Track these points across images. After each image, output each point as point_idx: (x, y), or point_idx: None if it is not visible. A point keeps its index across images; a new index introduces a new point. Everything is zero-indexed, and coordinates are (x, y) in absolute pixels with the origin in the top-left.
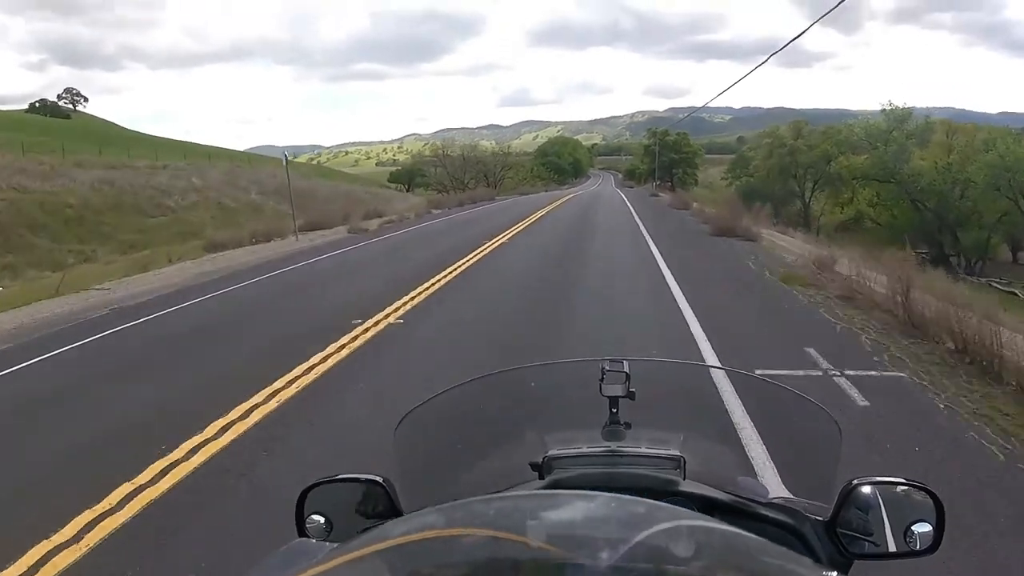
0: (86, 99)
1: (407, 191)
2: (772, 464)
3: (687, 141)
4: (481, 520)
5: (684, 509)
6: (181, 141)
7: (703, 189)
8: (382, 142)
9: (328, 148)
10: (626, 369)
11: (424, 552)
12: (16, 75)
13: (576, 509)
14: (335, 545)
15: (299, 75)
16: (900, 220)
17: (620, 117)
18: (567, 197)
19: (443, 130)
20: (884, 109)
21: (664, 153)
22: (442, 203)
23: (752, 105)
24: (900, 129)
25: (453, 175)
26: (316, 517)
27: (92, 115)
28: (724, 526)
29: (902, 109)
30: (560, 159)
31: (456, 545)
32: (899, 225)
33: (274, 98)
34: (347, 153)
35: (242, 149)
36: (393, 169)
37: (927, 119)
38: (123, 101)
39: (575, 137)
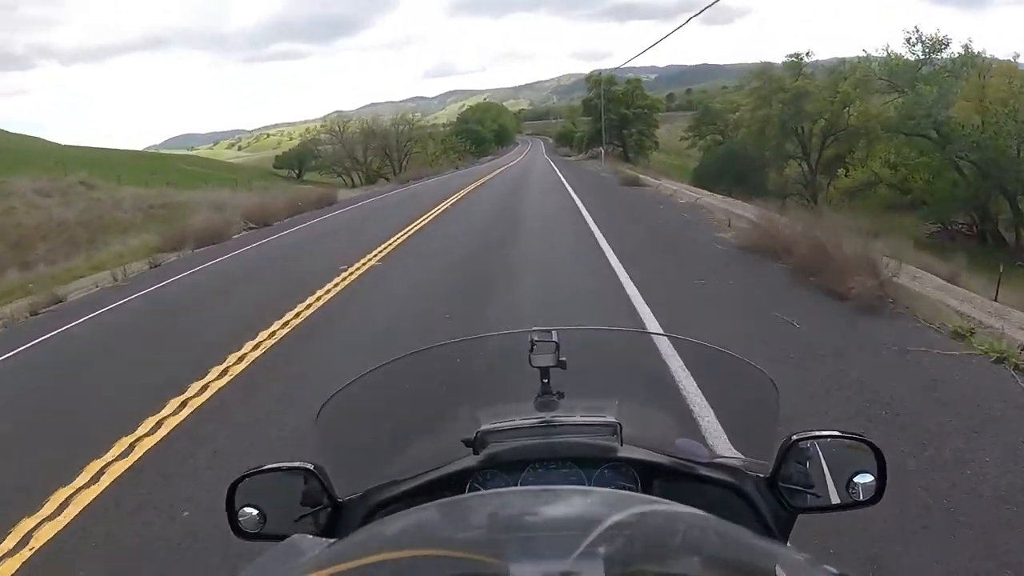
0: None
1: (297, 177)
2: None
3: (641, 92)
4: (439, 533)
5: (628, 494)
6: (52, 143)
7: (664, 155)
8: (306, 121)
9: (250, 132)
10: (555, 339)
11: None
12: None
13: (528, 508)
14: (332, 541)
15: (216, 60)
16: (938, 186)
17: (546, 82)
18: (475, 184)
19: (368, 105)
20: (909, 39)
21: (611, 109)
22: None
23: (676, 63)
24: (931, 64)
25: (351, 154)
26: (248, 509)
27: None
28: (678, 507)
29: (935, 38)
30: (483, 127)
31: (415, 569)
32: (938, 192)
33: (192, 86)
34: (268, 136)
35: (160, 141)
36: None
37: (967, 51)
38: (30, 101)
39: (502, 103)
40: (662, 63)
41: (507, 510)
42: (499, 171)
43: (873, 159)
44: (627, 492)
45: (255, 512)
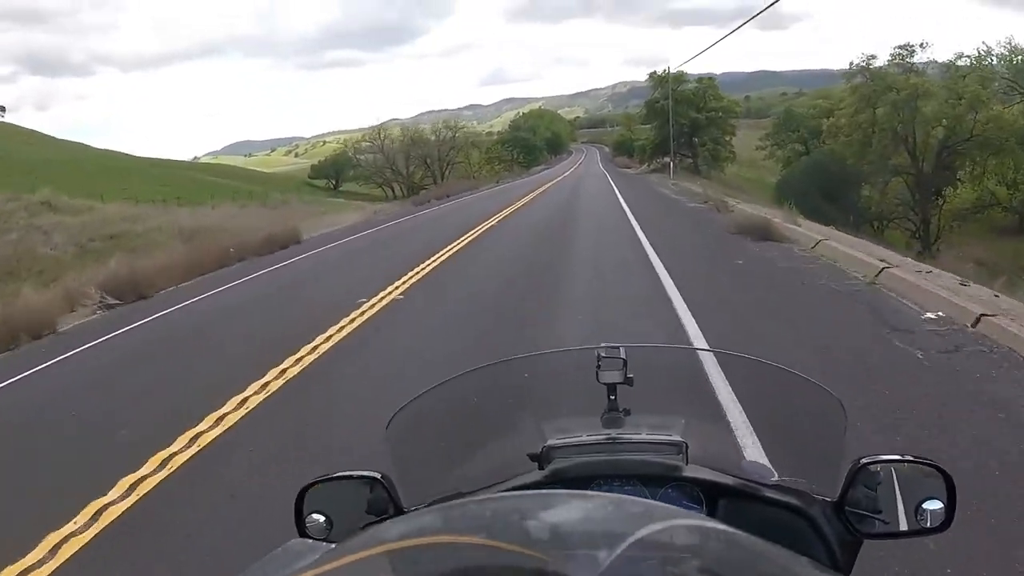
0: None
1: (334, 188)
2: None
3: (715, 92)
4: (477, 524)
5: (681, 508)
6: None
7: (734, 166)
8: (362, 128)
9: (307, 139)
10: (623, 355)
11: (418, 559)
12: None
13: (571, 509)
14: (332, 546)
15: (272, 67)
16: None
17: (601, 89)
18: (503, 213)
19: (424, 112)
20: None
21: (679, 112)
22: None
23: (733, 70)
24: None
25: (391, 164)
26: (316, 516)
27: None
28: (722, 526)
29: None
30: (535, 135)
31: (450, 552)
32: None
33: (250, 94)
34: (324, 143)
35: (219, 148)
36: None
37: None
38: (87, 107)
39: (558, 111)
40: (718, 70)
41: (510, 510)
42: (545, 187)
43: (988, 176)
44: (633, 499)
45: (322, 519)
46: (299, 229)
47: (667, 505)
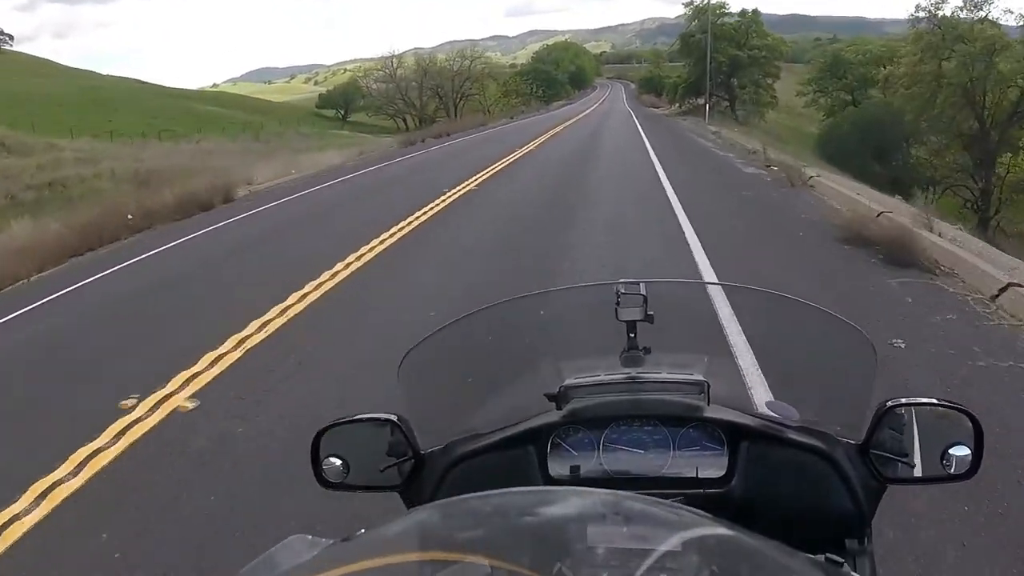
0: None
1: (343, 119)
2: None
3: (760, 27)
4: (479, 535)
5: (697, 516)
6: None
7: (780, 114)
8: (383, 57)
9: (328, 66)
10: (643, 291)
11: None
12: (5, 17)
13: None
14: (330, 542)
15: None
16: None
17: (629, 25)
18: (516, 153)
19: (447, 42)
20: None
21: (718, 49)
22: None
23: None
24: None
25: (404, 95)
26: (333, 459)
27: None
28: (738, 534)
29: None
30: (558, 69)
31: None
32: None
33: (271, 20)
34: (345, 70)
35: (239, 75)
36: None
37: None
38: (107, 35)
39: (583, 45)
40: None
41: (510, 511)
42: (559, 129)
43: None
44: (632, 495)
45: (339, 462)
46: (238, 182)
47: (674, 514)
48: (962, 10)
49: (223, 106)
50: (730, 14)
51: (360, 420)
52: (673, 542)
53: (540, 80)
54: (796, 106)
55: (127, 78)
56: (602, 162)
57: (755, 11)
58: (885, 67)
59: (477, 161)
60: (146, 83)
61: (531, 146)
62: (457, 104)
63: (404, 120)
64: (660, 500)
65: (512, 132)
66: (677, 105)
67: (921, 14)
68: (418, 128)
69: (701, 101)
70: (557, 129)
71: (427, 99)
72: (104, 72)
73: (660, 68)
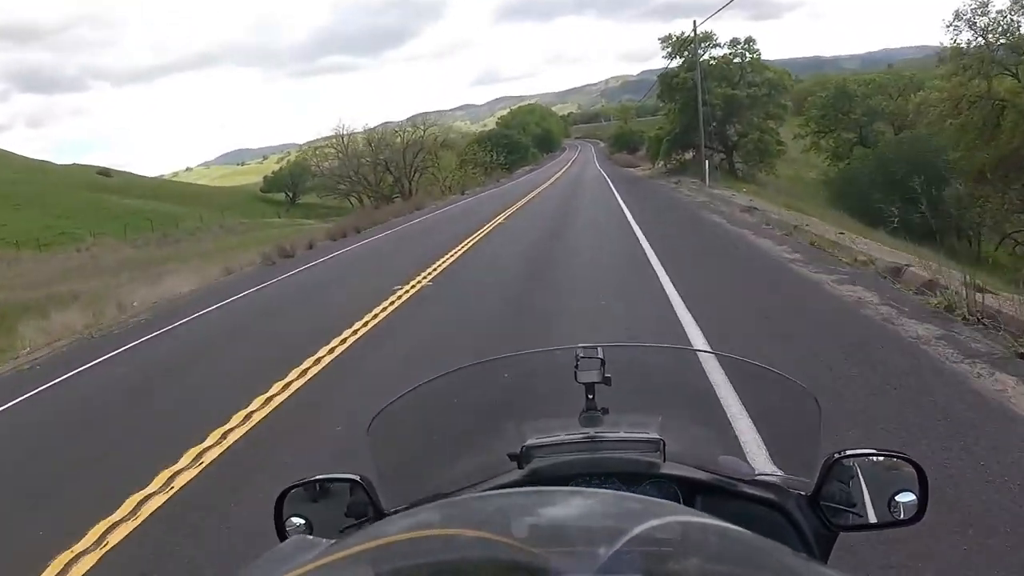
0: None
1: (291, 202)
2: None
3: (758, 61)
4: (476, 518)
5: (678, 505)
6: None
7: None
8: (355, 133)
9: (300, 145)
10: (600, 355)
11: (416, 551)
12: None
13: (570, 506)
14: (332, 542)
15: (267, 77)
16: None
17: (594, 84)
18: (455, 252)
19: (417, 114)
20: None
21: (708, 90)
22: None
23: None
24: None
25: (358, 171)
26: (296, 520)
27: None
28: (718, 521)
29: None
30: (524, 133)
31: (449, 544)
32: None
33: (244, 102)
34: (316, 150)
35: (213, 158)
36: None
37: None
38: (80, 124)
39: (551, 108)
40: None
41: (510, 506)
42: (518, 206)
43: None
44: (633, 496)
45: (302, 522)
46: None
47: (665, 501)
48: (1012, 12)
49: (159, 198)
50: (719, 45)
51: (323, 480)
52: (655, 523)
53: (501, 146)
54: (790, 151)
55: (88, 166)
56: (572, 267)
57: (749, 39)
58: (912, 96)
59: (404, 266)
60: (109, 171)
61: (466, 246)
62: (411, 179)
63: (360, 199)
64: (660, 500)
65: (449, 221)
66: (662, 164)
67: (960, 24)
68: (375, 207)
69: (690, 155)
70: (513, 209)
71: (381, 174)
72: (66, 162)
73: (629, 123)
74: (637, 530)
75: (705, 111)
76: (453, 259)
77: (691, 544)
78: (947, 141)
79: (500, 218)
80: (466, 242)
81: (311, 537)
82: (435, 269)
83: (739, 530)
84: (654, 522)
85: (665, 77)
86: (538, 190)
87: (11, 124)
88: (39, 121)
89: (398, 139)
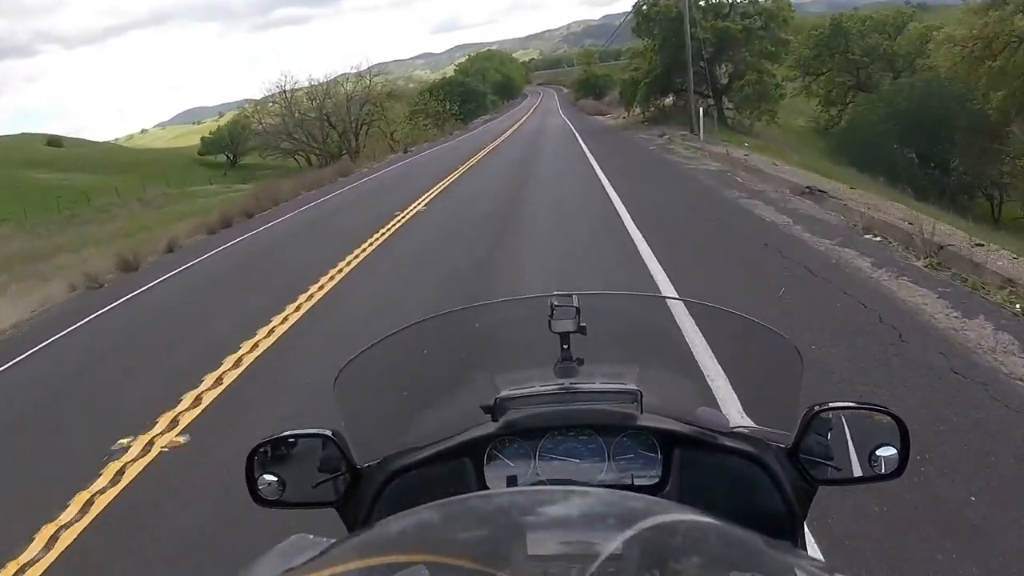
0: None
1: (232, 164)
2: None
3: None
4: (473, 527)
5: (674, 503)
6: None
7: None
8: (298, 88)
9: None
10: (576, 303)
11: None
12: None
13: (569, 506)
14: (332, 541)
15: (223, 31)
16: None
17: (555, 30)
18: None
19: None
20: None
21: (699, 25)
22: None
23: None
24: None
25: (303, 131)
26: (268, 477)
27: None
28: (718, 522)
29: None
30: (483, 80)
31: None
32: None
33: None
34: (274, 103)
35: (169, 117)
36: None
37: None
38: (33, 91)
39: (512, 54)
40: None
41: (511, 514)
42: (461, 171)
43: None
44: (634, 495)
45: (274, 479)
46: None
47: (664, 501)
48: None
49: (101, 168)
50: None
51: (293, 436)
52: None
53: (456, 94)
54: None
55: (39, 135)
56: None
57: None
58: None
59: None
60: (60, 140)
61: (425, 199)
62: (358, 133)
63: (308, 159)
64: (668, 503)
65: (369, 198)
66: (638, 111)
67: None
68: (323, 165)
69: (670, 101)
70: (464, 167)
71: (328, 131)
72: (16, 132)
73: (592, 68)
74: (608, 551)
75: (693, 46)
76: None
77: (691, 545)
78: (970, 86)
79: (435, 192)
80: (374, 239)
81: (311, 537)
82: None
83: (740, 530)
84: (657, 520)
85: (641, 8)
86: (494, 144)
87: None
88: None
89: (342, 90)
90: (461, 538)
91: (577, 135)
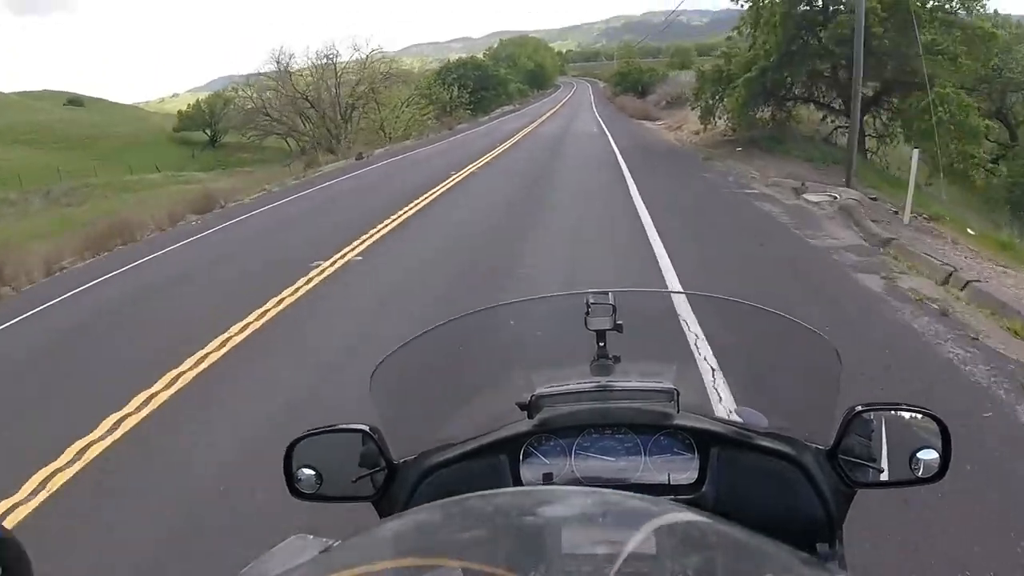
0: None
1: (212, 143)
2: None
3: None
4: (470, 528)
5: (677, 505)
6: None
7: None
8: (347, 62)
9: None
10: (612, 301)
11: None
12: None
13: (569, 506)
14: (331, 542)
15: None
16: None
17: (594, 23)
18: None
19: (412, 45)
20: None
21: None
22: None
23: (732, 7)
24: None
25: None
26: (306, 470)
27: None
28: (718, 523)
29: None
30: (514, 67)
31: None
32: None
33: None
34: (303, 73)
35: (203, 83)
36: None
37: None
38: (68, 48)
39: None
40: (716, 6)
41: (509, 516)
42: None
43: None
44: (640, 496)
45: (312, 473)
46: None
47: (664, 500)
48: None
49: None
50: None
51: (332, 430)
52: (648, 530)
53: (470, 79)
54: None
55: (60, 92)
56: None
57: None
58: None
59: None
60: (81, 99)
61: None
62: (347, 121)
63: (301, 146)
64: (672, 504)
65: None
66: (722, 123)
67: None
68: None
69: (768, 113)
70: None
71: (319, 117)
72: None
73: (629, 64)
74: (629, 549)
75: (849, 24)
76: None
77: (690, 546)
78: None
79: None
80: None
81: (311, 537)
82: None
83: (740, 530)
84: (657, 522)
85: None
86: (502, 148)
87: None
88: (23, 48)
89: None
90: (460, 540)
91: (623, 167)
